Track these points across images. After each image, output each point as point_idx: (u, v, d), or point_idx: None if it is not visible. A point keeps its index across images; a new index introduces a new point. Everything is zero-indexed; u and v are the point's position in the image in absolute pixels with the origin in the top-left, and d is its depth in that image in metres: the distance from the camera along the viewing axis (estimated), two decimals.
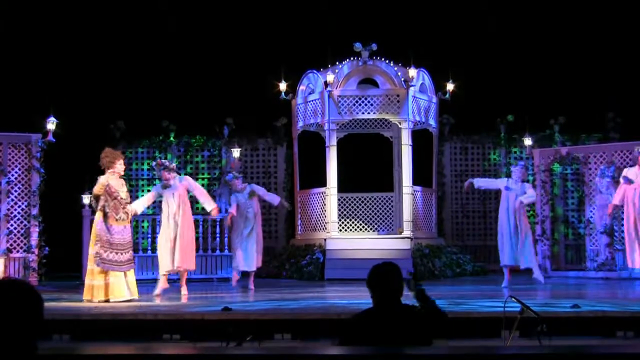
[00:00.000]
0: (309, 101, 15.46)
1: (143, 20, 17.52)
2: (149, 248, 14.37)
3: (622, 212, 12.69)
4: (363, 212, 15.91)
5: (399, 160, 15.73)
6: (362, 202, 15.94)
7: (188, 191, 11.55)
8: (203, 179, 16.62)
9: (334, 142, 15.07)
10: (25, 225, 13.35)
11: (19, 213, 13.37)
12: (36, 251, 13.26)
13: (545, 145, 16.13)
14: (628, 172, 12.35)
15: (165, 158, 16.55)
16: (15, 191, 13.40)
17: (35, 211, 13.36)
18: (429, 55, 15.74)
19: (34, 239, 13.28)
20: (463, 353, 3.62)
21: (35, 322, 2.91)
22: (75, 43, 17.22)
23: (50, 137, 13.16)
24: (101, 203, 10.33)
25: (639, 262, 12.23)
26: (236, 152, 15.42)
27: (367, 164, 16.92)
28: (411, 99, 14.92)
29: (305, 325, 8.18)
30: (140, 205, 11.22)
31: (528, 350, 3.92)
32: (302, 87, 15.73)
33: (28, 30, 17.08)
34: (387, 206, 15.94)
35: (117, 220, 10.29)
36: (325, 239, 14.73)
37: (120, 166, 10.53)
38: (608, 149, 14.48)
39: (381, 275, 4.32)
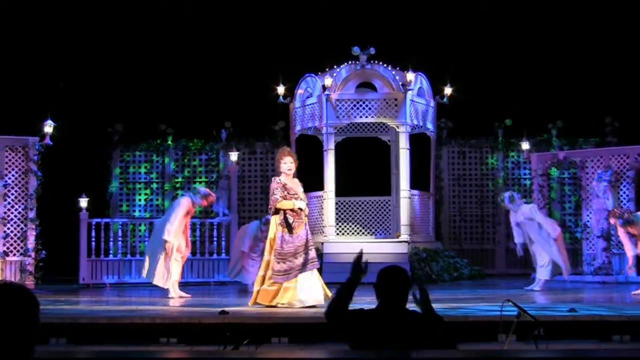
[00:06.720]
0: (307, 105, 15.46)
1: (141, 24, 17.51)
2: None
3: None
4: (360, 215, 15.91)
5: (397, 164, 15.72)
6: (360, 205, 15.94)
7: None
8: (200, 182, 16.61)
9: (332, 145, 15.05)
10: (22, 229, 13.33)
11: (15, 216, 13.35)
12: (33, 254, 13.23)
13: (542, 149, 16.14)
14: None
15: (163, 161, 16.61)
16: (12, 194, 13.38)
17: (32, 214, 13.33)
18: (427, 59, 15.76)
19: (31, 242, 13.25)
20: (460, 357, 3.62)
21: (32, 325, 2.90)
22: (73, 46, 17.20)
23: (47, 140, 13.16)
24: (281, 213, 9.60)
25: None
26: (234, 156, 15.41)
27: (365, 168, 16.91)
28: (409, 103, 14.92)
29: (302, 329, 8.18)
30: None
31: (525, 354, 3.92)
32: (300, 91, 15.72)
33: (26, 33, 17.07)
34: (385, 210, 15.94)
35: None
36: (322, 243, 14.70)
37: (285, 165, 9.61)
38: (605, 154, 14.49)
39: (385, 277, 4.35)
